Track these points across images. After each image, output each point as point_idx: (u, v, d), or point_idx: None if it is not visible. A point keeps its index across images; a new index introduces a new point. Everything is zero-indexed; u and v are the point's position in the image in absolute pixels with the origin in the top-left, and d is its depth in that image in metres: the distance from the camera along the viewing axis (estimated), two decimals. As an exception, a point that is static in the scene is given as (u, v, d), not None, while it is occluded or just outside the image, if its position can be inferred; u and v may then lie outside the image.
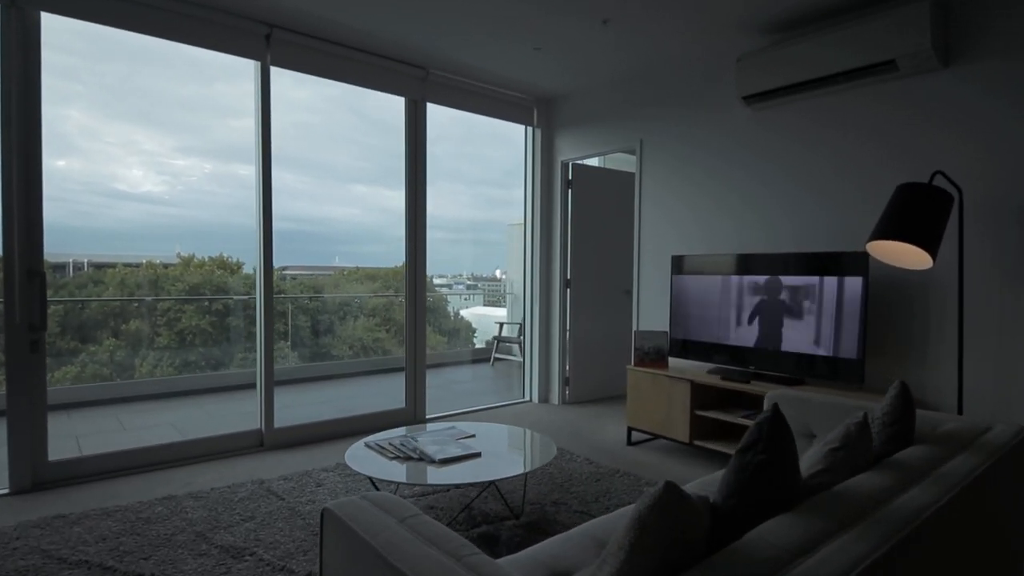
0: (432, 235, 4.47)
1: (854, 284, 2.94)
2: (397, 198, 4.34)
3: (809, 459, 1.45)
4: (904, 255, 2.62)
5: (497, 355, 7.53)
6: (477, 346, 8.66)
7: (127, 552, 2.23)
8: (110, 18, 3.03)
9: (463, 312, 9.64)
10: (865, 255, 2.88)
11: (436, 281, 9.80)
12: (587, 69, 4.17)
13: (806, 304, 3.14)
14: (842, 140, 3.23)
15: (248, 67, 3.56)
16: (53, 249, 6.25)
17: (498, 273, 11.02)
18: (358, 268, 8.50)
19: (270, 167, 3.57)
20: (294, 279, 8.06)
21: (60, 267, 6.28)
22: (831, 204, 3.27)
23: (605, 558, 0.97)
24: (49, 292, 5.72)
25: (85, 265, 6.39)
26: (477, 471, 2.37)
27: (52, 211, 3.07)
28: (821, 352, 3.06)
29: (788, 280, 3.21)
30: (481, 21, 3.39)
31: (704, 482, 1.89)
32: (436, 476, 2.31)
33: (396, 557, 0.97)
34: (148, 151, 6.93)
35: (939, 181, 2.76)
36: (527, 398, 5.13)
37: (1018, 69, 2.65)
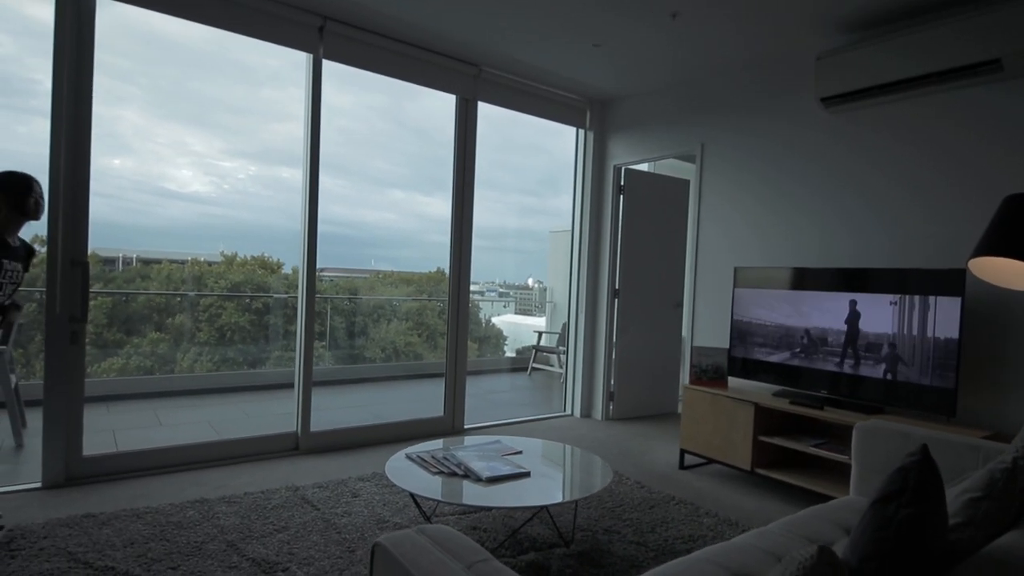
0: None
1: (950, 304, 2.65)
2: (433, 204, 4.24)
3: (954, 509, 1.21)
4: (1011, 273, 2.33)
5: (535, 365, 7.33)
6: (508, 354, 8.51)
7: (155, 560, 2.11)
8: (165, 5, 2.97)
9: (495, 320, 9.52)
10: (962, 272, 2.59)
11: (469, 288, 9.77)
12: (647, 68, 3.97)
13: (892, 325, 2.85)
14: (936, 147, 2.95)
15: (293, 72, 3.49)
16: (104, 244, 6.35)
17: (530, 282, 10.91)
18: (393, 272, 8.48)
19: (318, 164, 3.47)
20: (331, 281, 8.07)
21: (111, 261, 6.44)
22: (922, 216, 2.99)
23: None
24: (99, 285, 5.81)
25: (134, 260, 6.53)
26: (528, 494, 2.18)
27: (104, 207, 3.06)
28: (905, 379, 2.77)
29: (871, 298, 2.94)
30: (540, 15, 3.23)
31: (790, 522, 1.65)
32: (483, 497, 2.12)
33: (467, 617, 0.79)
34: (197, 152, 7.07)
35: (1055, 193, 2.46)
36: (568, 412, 4.91)
37: None
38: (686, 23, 3.22)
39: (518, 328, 9.34)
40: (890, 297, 2.85)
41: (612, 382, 4.77)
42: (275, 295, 6.62)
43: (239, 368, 6.20)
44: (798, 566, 0.74)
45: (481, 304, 9.59)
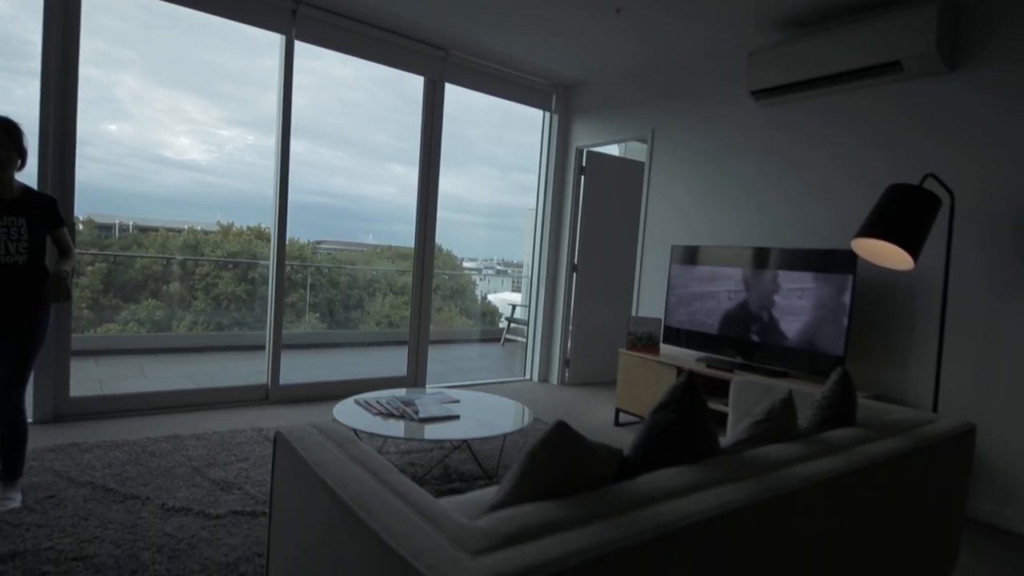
0: (464, 218, 4.61)
1: (842, 282, 2.97)
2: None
3: (736, 432, 1.55)
4: (888, 255, 2.65)
5: (508, 336, 7.68)
6: (502, 327, 8.79)
7: (129, 478, 2.45)
8: (146, -13, 3.21)
9: (491, 297, 9.70)
10: (853, 254, 2.91)
11: (467, 264, 9.87)
12: (602, 57, 4.23)
13: (795, 299, 3.18)
14: (846, 139, 3.24)
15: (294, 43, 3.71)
16: (100, 210, 6.53)
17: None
18: (390, 247, 8.66)
19: (289, 139, 3.75)
20: (329, 253, 8.26)
21: (107, 227, 6.55)
22: (834, 201, 3.30)
23: (503, 483, 1.09)
24: (95, 250, 6.02)
25: (130, 227, 6.65)
26: (453, 431, 2.52)
27: (100, 173, 3.31)
28: (803, 346, 3.11)
29: (778, 275, 3.26)
30: (499, 4, 3.48)
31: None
32: (413, 432, 2.46)
33: (323, 470, 1.12)
34: (195, 120, 7.18)
35: (931, 184, 2.77)
36: (528, 377, 5.26)
37: (1018, 77, 2.64)
38: (629, 17, 3.48)
39: (514, 304, 9.59)
40: (796, 274, 3.18)
41: (569, 350, 5.11)
42: (267, 263, 6.83)
43: (228, 330, 6.46)
44: (542, 434, 1.06)
45: (478, 281, 9.78)
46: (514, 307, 7.76)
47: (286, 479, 1.26)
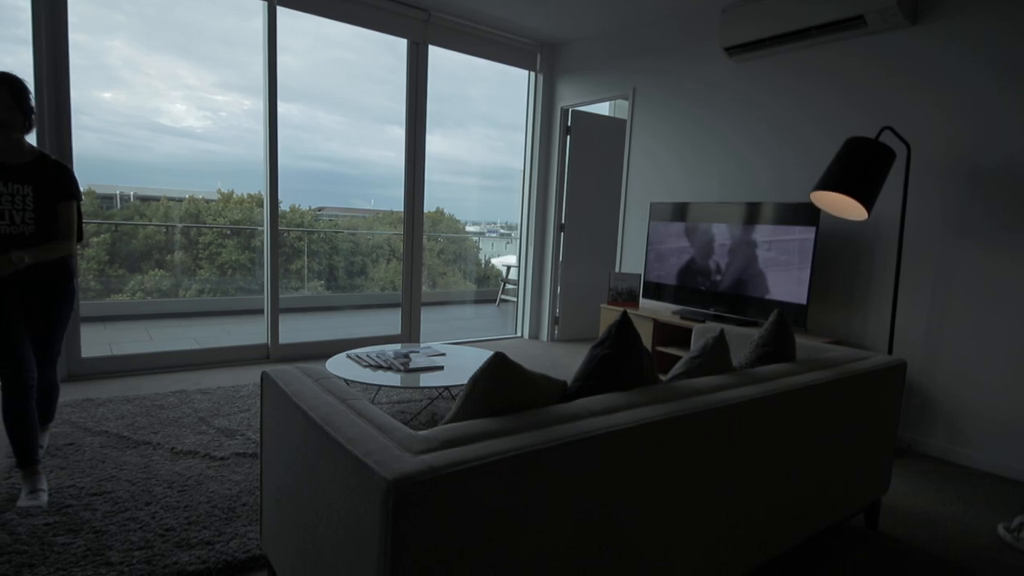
0: (466, 181, 4.69)
1: (806, 234, 3.12)
2: (433, 142, 4.49)
3: (675, 367, 1.73)
4: (844, 206, 2.79)
5: (503, 296, 7.87)
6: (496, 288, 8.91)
7: (140, 428, 2.68)
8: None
9: (494, 260, 9.76)
10: (816, 207, 3.04)
11: (470, 228, 9.91)
12: (583, 15, 4.27)
13: (763, 252, 3.34)
14: (817, 93, 3.34)
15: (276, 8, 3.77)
16: (100, 180, 6.60)
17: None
18: (391, 212, 8.70)
19: (276, 104, 3.85)
20: (331, 219, 8.32)
21: (108, 198, 6.58)
22: (806, 155, 3.41)
23: (453, 406, 1.28)
24: (98, 220, 6.13)
25: (131, 197, 6.70)
26: (438, 379, 2.72)
27: (97, 142, 3.42)
28: (772, 297, 3.28)
29: (748, 229, 3.40)
30: (473, -33, 3.53)
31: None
32: (398, 381, 2.67)
33: (299, 399, 1.30)
34: (190, 85, 7.09)
35: (887, 137, 2.88)
36: (519, 334, 5.47)
37: (976, 29, 2.72)
38: (605, -24, 3.53)
39: (508, 266, 9.66)
40: (764, 227, 3.32)
41: (558, 307, 5.30)
42: (283, 230, 6.87)
43: (232, 295, 6.65)
44: (484, 362, 1.24)
45: (481, 245, 9.82)
46: (508, 268, 7.93)
47: (271, 411, 1.45)
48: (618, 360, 1.47)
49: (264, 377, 1.51)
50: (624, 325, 1.48)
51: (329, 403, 1.26)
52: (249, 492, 2.13)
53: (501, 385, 1.25)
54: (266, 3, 3.75)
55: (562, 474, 1.09)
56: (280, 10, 3.78)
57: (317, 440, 1.16)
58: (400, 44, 4.37)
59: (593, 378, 1.45)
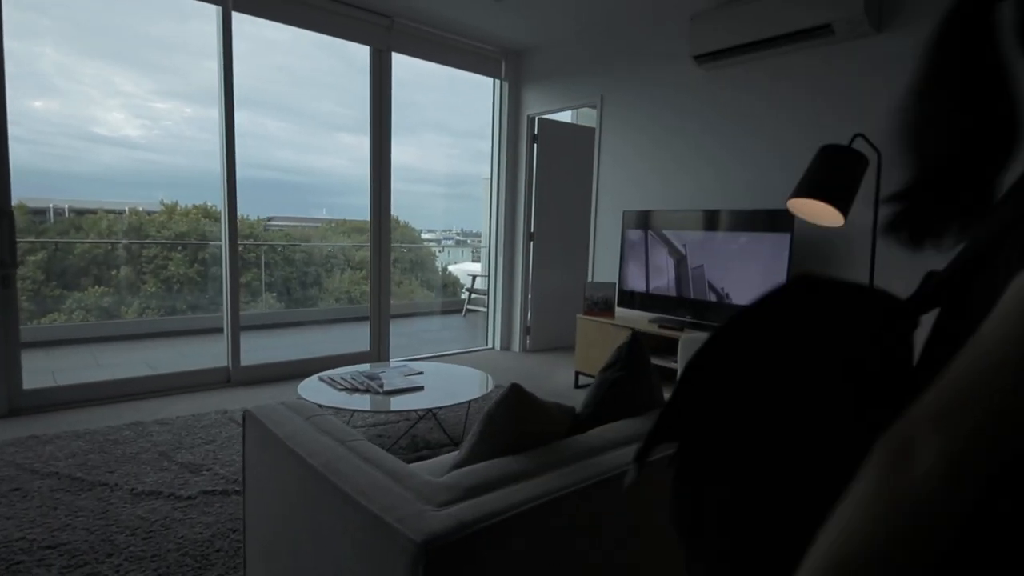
0: (420, 188, 4.61)
1: (781, 240, 3.14)
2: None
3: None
4: (820, 213, 2.81)
5: (470, 307, 7.75)
6: (463, 298, 8.82)
7: (94, 467, 2.46)
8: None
9: (451, 268, 9.69)
10: (791, 214, 3.06)
11: (425, 236, 9.79)
12: (550, 22, 4.23)
13: (738, 258, 3.35)
14: (787, 101, 3.38)
15: (231, 14, 3.57)
16: (31, 193, 6.17)
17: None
18: (345, 221, 8.47)
19: (233, 114, 3.66)
20: (281, 230, 8.05)
21: (40, 212, 6.15)
22: (780, 161, 3.44)
23: (464, 443, 1.18)
24: (31, 237, 5.72)
25: (66, 211, 6.28)
26: (418, 401, 2.60)
27: (28, 153, 3.17)
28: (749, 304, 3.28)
29: (723, 236, 3.41)
30: (440, -27, 3.44)
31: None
32: (379, 404, 2.53)
33: (296, 445, 1.18)
34: (126, 93, 6.77)
35: (859, 143, 2.93)
36: (490, 346, 5.37)
37: (940, 38, 2.79)
38: (574, -16, 3.49)
39: (474, 275, 9.60)
40: (738, 234, 3.34)
41: (529, 317, 5.23)
42: (216, 243, 6.63)
43: (182, 313, 6.32)
44: (499, 396, 1.15)
45: (438, 252, 9.72)
46: (474, 277, 7.82)
47: (257, 454, 1.32)
48: (629, 383, 1.40)
49: (247, 417, 1.38)
50: (635, 346, 1.42)
51: (329, 446, 1.14)
52: (223, 535, 1.96)
53: (516, 418, 1.16)
54: (220, 8, 3.56)
55: (596, 514, 1.01)
56: (235, 15, 3.59)
57: (319, 490, 1.04)
58: (344, 49, 4.19)
59: (605, 404, 1.38)
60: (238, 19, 3.62)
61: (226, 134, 3.66)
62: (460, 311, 7.86)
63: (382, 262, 4.53)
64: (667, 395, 0.55)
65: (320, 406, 2.52)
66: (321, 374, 2.93)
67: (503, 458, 1.09)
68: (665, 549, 1.18)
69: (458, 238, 11.05)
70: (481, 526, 0.85)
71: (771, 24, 3.19)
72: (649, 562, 1.14)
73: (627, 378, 1.39)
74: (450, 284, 9.25)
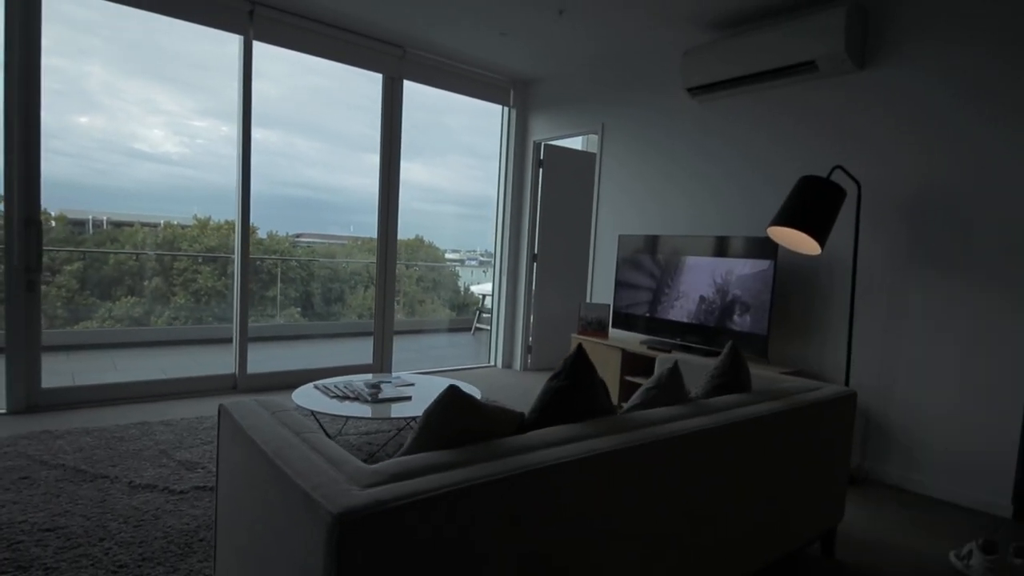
0: (445, 209, 4.75)
1: (765, 267, 3.22)
2: (412, 170, 4.56)
3: (632, 398, 1.78)
4: (798, 241, 2.90)
5: (479, 325, 7.89)
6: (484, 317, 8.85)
7: (98, 460, 2.62)
8: (104, -8, 3.33)
9: (473, 288, 9.82)
10: (774, 241, 3.15)
11: (450, 256, 9.96)
12: (553, 55, 4.42)
13: (724, 284, 3.43)
14: (774, 133, 3.48)
15: (252, 43, 3.81)
16: (72, 205, 6.48)
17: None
18: (372, 239, 8.67)
19: (250, 133, 3.89)
20: (308, 246, 8.29)
21: (80, 223, 6.47)
22: (777, 187, 3.52)
23: (407, 439, 1.30)
24: (70, 247, 6.00)
25: (104, 223, 6.60)
26: (404, 410, 2.72)
27: (71, 167, 3.38)
28: (736, 327, 3.36)
29: (710, 261, 3.50)
30: (447, 5, 3.64)
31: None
32: (365, 412, 2.66)
33: (255, 433, 1.31)
34: (167, 111, 7.04)
35: (838, 175, 3.02)
36: (492, 363, 5.48)
37: (916, 76, 2.89)
38: (572, 18, 3.67)
39: (484, 294, 9.66)
40: (725, 260, 3.42)
41: (530, 337, 5.33)
42: (256, 258, 6.85)
43: (207, 323, 6.54)
44: (438, 396, 1.27)
45: (460, 272, 9.82)
46: (484, 296, 7.97)
47: (227, 444, 1.46)
48: (572, 391, 1.51)
49: (221, 410, 1.52)
50: (578, 358, 1.53)
51: (283, 436, 1.27)
52: (207, 527, 2.09)
53: (455, 418, 1.27)
54: (242, 37, 3.81)
55: (513, 505, 1.12)
56: (256, 44, 3.84)
57: (269, 474, 1.17)
58: (377, 74, 4.45)
59: (549, 409, 1.49)
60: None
61: (242, 153, 3.88)
62: (470, 329, 8.00)
63: (387, 279, 4.70)
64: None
65: (312, 412, 2.66)
66: (316, 382, 3.07)
67: (436, 452, 1.20)
68: (585, 543, 1.27)
69: (481, 258, 11.23)
70: (395, 504, 0.97)
71: (758, 60, 3.31)
72: (562, 554, 1.24)
73: (570, 386, 1.50)
74: (472, 303, 9.39)
